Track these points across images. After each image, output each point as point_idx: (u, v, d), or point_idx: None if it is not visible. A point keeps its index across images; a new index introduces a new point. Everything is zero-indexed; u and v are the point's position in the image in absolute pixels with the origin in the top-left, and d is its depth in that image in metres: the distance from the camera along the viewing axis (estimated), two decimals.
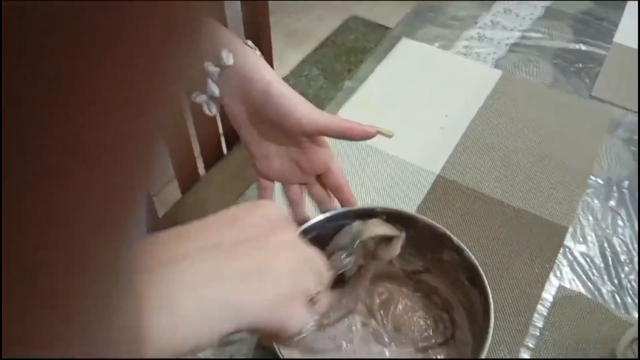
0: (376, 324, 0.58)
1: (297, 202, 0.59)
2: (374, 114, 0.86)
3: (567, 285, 0.66)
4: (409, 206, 0.73)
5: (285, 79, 2.06)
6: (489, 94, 0.89)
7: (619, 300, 0.65)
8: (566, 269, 0.68)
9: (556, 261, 0.68)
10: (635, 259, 0.69)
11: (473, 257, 0.56)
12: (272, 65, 1.11)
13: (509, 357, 0.60)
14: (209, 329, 0.33)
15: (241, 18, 0.94)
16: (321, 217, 0.58)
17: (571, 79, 0.93)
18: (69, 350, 0.18)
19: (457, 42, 0.99)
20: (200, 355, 0.57)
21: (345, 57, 2.12)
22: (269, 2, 0.95)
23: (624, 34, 1.02)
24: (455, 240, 0.57)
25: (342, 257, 0.53)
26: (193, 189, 1.04)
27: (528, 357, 0.60)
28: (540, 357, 0.60)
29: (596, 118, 0.87)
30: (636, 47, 0.99)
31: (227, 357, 0.58)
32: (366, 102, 0.88)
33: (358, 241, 0.54)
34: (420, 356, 0.57)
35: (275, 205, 0.43)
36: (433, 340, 0.58)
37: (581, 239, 0.71)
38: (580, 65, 0.96)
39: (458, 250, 0.57)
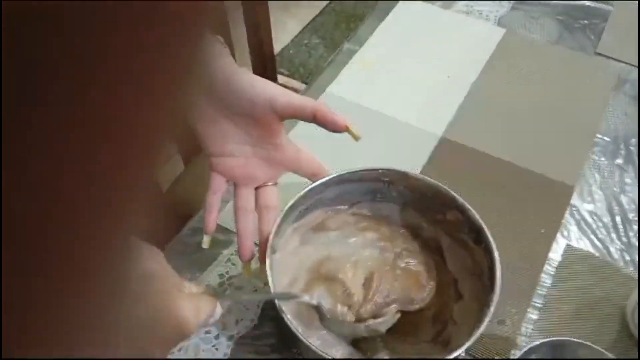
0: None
1: (249, 209, 0.54)
2: (374, 77, 0.84)
3: (574, 244, 0.65)
4: (413, 168, 0.72)
5: (286, 48, 2.03)
6: (492, 53, 0.87)
7: (627, 258, 0.64)
8: (573, 228, 0.67)
9: (563, 220, 0.67)
10: None
11: (478, 217, 0.55)
12: (270, 35, 1.09)
13: (516, 316, 0.59)
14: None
15: None
16: (321, 181, 0.57)
17: (576, 36, 0.91)
18: (69, 349, 0.18)
19: (458, 0, 0.96)
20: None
21: (345, 24, 2.09)
22: None
23: None
24: (460, 200, 0.56)
25: None
26: (194, 162, 1.03)
27: (536, 316, 0.59)
28: (547, 316, 0.59)
29: (602, 75, 0.84)
30: None
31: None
32: (366, 64, 0.85)
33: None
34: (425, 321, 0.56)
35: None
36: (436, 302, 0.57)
37: (588, 198, 0.70)
38: (585, 21, 0.93)
39: (462, 210, 0.56)
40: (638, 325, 0.56)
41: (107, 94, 0.13)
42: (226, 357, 0.56)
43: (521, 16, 0.93)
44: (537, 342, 0.49)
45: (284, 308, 0.49)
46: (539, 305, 0.60)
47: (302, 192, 0.56)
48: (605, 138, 0.76)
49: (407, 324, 0.55)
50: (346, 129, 0.51)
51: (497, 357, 0.56)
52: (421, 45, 0.88)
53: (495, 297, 0.49)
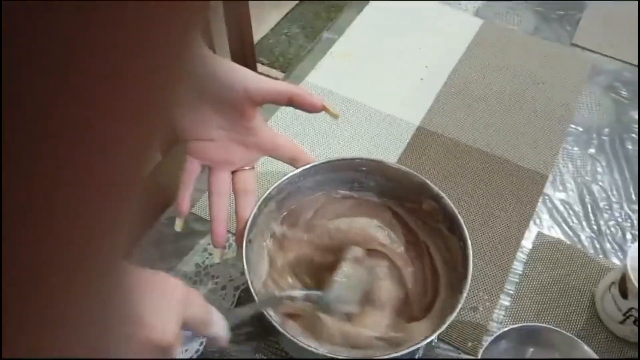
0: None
1: (224, 193, 0.54)
2: (353, 66, 0.84)
3: (546, 232, 0.66)
4: (390, 158, 0.73)
5: (265, 37, 2.02)
6: (469, 43, 0.88)
7: (597, 246, 0.66)
8: (545, 217, 0.68)
9: (536, 209, 0.68)
10: (615, 205, 0.69)
11: (452, 206, 0.55)
12: (250, 24, 1.08)
13: (488, 303, 0.60)
14: None
15: None
16: (298, 170, 0.57)
17: (552, 27, 0.92)
18: (69, 347, 0.18)
19: None
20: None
21: (325, 13, 2.08)
22: None
23: None
24: (435, 189, 0.57)
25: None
26: (172, 152, 1.03)
27: (508, 302, 0.60)
28: (519, 303, 0.60)
29: (577, 66, 0.86)
30: None
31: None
32: (345, 53, 0.86)
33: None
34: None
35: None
36: (411, 286, 0.58)
37: (561, 187, 0.71)
38: (562, 12, 0.94)
39: (437, 199, 0.57)
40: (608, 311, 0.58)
41: (95, 93, 0.13)
42: (202, 347, 0.56)
43: (499, 7, 0.94)
44: (507, 328, 0.51)
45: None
46: (511, 292, 0.61)
47: (280, 181, 0.56)
48: (579, 128, 0.78)
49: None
50: (323, 109, 0.51)
51: (469, 343, 0.57)
52: (400, 36, 0.88)
53: (468, 284, 0.50)
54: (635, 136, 0.77)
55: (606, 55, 0.87)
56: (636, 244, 0.56)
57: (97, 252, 0.16)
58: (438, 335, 0.47)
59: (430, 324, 0.53)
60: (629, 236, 0.66)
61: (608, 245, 0.66)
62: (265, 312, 0.48)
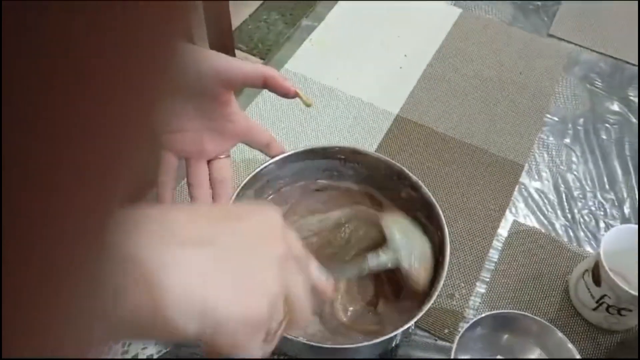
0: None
1: (203, 183, 0.53)
2: (332, 54, 0.84)
3: (521, 220, 0.67)
4: (369, 146, 0.73)
5: (244, 23, 2.00)
6: (448, 33, 0.88)
7: (571, 234, 0.67)
8: (521, 205, 0.69)
9: (512, 198, 0.69)
10: (589, 195, 0.71)
11: (430, 194, 0.56)
12: (228, 10, 1.07)
13: (464, 290, 0.61)
14: (182, 324, 0.30)
15: None
16: (276, 158, 0.57)
17: (530, 17, 0.93)
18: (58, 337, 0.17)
19: None
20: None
21: (304, 0, 2.06)
22: None
23: None
24: (413, 178, 0.57)
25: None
26: None
27: (483, 290, 0.61)
28: (495, 290, 0.61)
29: (553, 56, 0.87)
30: None
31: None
32: (324, 41, 0.85)
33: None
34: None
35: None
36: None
37: (536, 176, 0.72)
38: (539, 3, 0.95)
39: (415, 188, 0.57)
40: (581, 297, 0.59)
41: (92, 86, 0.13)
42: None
43: None
44: (482, 315, 0.51)
45: None
46: (487, 280, 0.62)
47: (258, 170, 0.56)
48: (554, 118, 0.79)
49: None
50: (296, 95, 0.51)
51: (445, 330, 0.58)
52: (379, 24, 0.88)
53: (445, 272, 0.50)
54: (609, 127, 0.78)
55: (582, 46, 0.88)
56: (610, 232, 0.57)
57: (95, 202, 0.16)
58: (415, 322, 0.48)
59: (407, 311, 0.53)
60: (602, 225, 0.68)
61: (582, 234, 0.67)
62: None
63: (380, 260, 0.52)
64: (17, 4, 0.11)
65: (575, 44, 0.89)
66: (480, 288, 0.61)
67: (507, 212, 0.68)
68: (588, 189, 0.71)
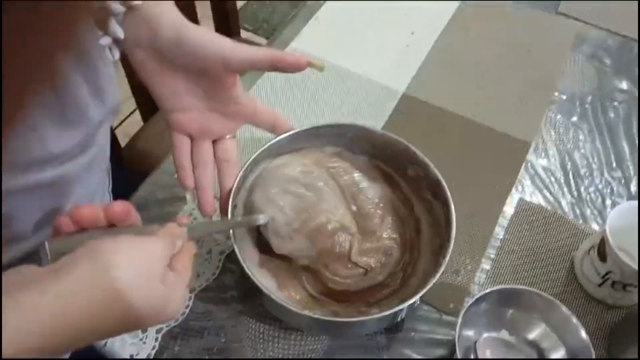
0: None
1: (208, 162, 0.54)
2: (338, 32, 0.83)
3: (527, 198, 0.67)
4: (375, 124, 0.73)
5: (249, 3, 1.99)
6: (455, 10, 0.87)
7: (577, 211, 0.67)
8: (527, 183, 0.69)
9: (518, 176, 0.69)
10: (595, 172, 0.70)
11: (437, 172, 0.56)
12: None
13: (470, 266, 0.61)
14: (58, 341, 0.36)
15: None
16: (283, 136, 0.57)
17: None
18: None
19: None
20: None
21: None
22: None
23: None
24: (420, 155, 0.57)
25: None
26: (154, 119, 1.02)
27: (489, 266, 0.61)
28: (500, 266, 0.61)
29: (561, 34, 0.86)
30: None
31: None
32: (329, 19, 0.85)
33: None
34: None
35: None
36: (397, 246, 0.58)
37: (543, 154, 0.72)
38: None
39: (422, 165, 0.57)
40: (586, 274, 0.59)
41: None
42: (188, 309, 0.57)
43: None
44: (487, 290, 0.52)
45: (245, 260, 0.49)
46: (492, 256, 0.62)
47: (264, 147, 0.56)
48: (562, 96, 0.78)
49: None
50: (308, 64, 0.49)
51: (451, 305, 0.58)
52: (385, 2, 0.87)
53: (450, 248, 0.51)
54: (617, 105, 0.78)
55: (591, 24, 0.88)
56: (615, 209, 0.57)
57: None
58: (420, 297, 0.48)
59: (413, 286, 0.54)
60: (608, 202, 0.68)
61: (588, 211, 0.67)
62: (249, 274, 0.48)
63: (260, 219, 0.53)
64: None
65: (584, 22, 0.88)
66: (486, 264, 0.62)
67: (514, 189, 0.68)
68: (595, 166, 0.71)
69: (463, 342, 0.53)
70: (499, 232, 0.64)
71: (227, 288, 0.59)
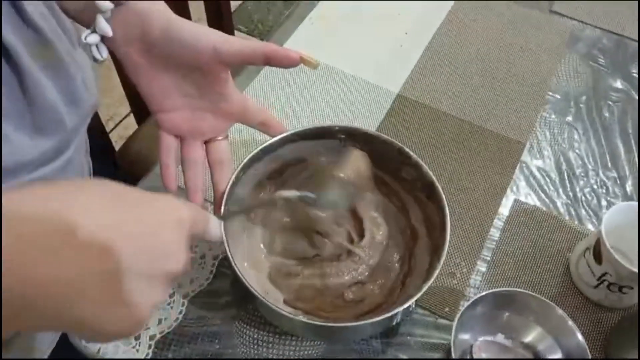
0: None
1: (198, 162, 0.52)
2: (333, 33, 0.83)
3: (522, 199, 0.67)
4: (369, 125, 0.72)
5: (244, 4, 1.98)
6: (449, 10, 0.87)
7: (573, 212, 0.66)
8: (522, 184, 0.69)
9: (513, 176, 0.69)
10: (591, 173, 0.70)
11: (431, 173, 0.55)
12: None
13: (465, 269, 0.61)
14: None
15: None
16: (275, 138, 0.57)
17: None
18: None
19: None
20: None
21: None
22: None
23: None
24: (414, 157, 0.57)
25: None
26: (149, 121, 1.01)
27: (484, 269, 0.61)
28: (495, 269, 0.61)
29: (556, 33, 0.86)
30: None
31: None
32: (325, 19, 0.84)
33: None
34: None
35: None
36: (395, 254, 0.58)
37: (538, 154, 0.72)
38: None
39: (416, 167, 0.57)
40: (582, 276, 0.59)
41: None
42: (181, 315, 0.56)
43: None
44: (483, 293, 0.51)
45: (238, 264, 0.49)
46: (488, 258, 0.62)
47: (257, 150, 0.56)
48: (557, 96, 0.78)
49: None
50: (301, 60, 0.48)
51: (446, 308, 0.58)
52: (379, 2, 0.87)
53: (445, 251, 0.50)
54: (611, 104, 0.77)
55: (585, 23, 0.87)
56: (611, 209, 0.57)
57: None
58: (415, 301, 0.48)
59: (408, 289, 0.53)
60: (604, 202, 0.67)
61: (583, 212, 0.67)
62: (244, 280, 0.48)
63: (291, 194, 0.52)
64: None
65: (578, 20, 0.88)
66: (481, 267, 0.61)
67: (509, 190, 0.68)
68: (590, 166, 0.71)
69: (459, 345, 0.53)
70: (495, 233, 0.64)
71: (221, 293, 0.58)
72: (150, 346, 0.54)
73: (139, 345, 0.54)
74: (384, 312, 0.47)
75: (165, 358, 0.54)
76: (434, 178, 0.55)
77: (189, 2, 0.99)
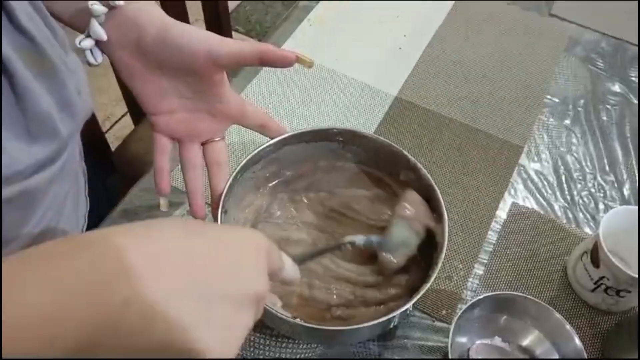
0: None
1: (197, 166, 0.52)
2: (331, 35, 0.83)
3: (520, 202, 0.67)
4: (367, 128, 0.72)
5: (242, 5, 1.98)
6: (447, 13, 0.87)
7: (570, 216, 0.66)
8: (520, 187, 0.68)
9: (511, 180, 0.69)
10: (588, 176, 0.70)
11: (429, 176, 0.55)
12: None
13: (462, 272, 0.61)
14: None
15: None
16: (274, 141, 0.56)
17: None
18: None
19: None
20: None
21: None
22: None
23: None
24: (412, 159, 0.56)
25: None
26: (146, 122, 1.01)
27: (481, 272, 0.61)
28: (493, 272, 0.61)
29: (554, 36, 0.86)
30: None
31: None
32: (322, 21, 0.84)
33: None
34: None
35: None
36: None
37: (536, 157, 0.72)
38: None
39: (414, 170, 0.57)
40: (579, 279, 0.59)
41: None
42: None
43: None
44: (480, 296, 0.51)
45: None
46: (485, 262, 0.62)
47: (255, 152, 0.56)
48: (555, 99, 0.78)
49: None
50: (296, 60, 0.48)
51: (443, 311, 0.58)
52: (378, 4, 0.87)
53: (443, 254, 0.50)
54: (610, 108, 0.78)
55: (584, 26, 0.87)
56: (609, 213, 0.57)
57: None
58: (413, 304, 0.48)
59: (405, 292, 0.53)
60: (601, 206, 0.67)
61: (581, 215, 0.67)
62: None
63: (357, 240, 0.53)
64: None
65: (577, 24, 0.88)
66: (479, 270, 0.61)
67: (506, 193, 0.68)
68: (588, 170, 0.71)
69: (456, 348, 0.53)
70: (492, 236, 0.64)
71: None
72: None
73: None
74: (381, 315, 0.47)
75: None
76: (432, 181, 0.55)
77: (187, 3, 0.99)
